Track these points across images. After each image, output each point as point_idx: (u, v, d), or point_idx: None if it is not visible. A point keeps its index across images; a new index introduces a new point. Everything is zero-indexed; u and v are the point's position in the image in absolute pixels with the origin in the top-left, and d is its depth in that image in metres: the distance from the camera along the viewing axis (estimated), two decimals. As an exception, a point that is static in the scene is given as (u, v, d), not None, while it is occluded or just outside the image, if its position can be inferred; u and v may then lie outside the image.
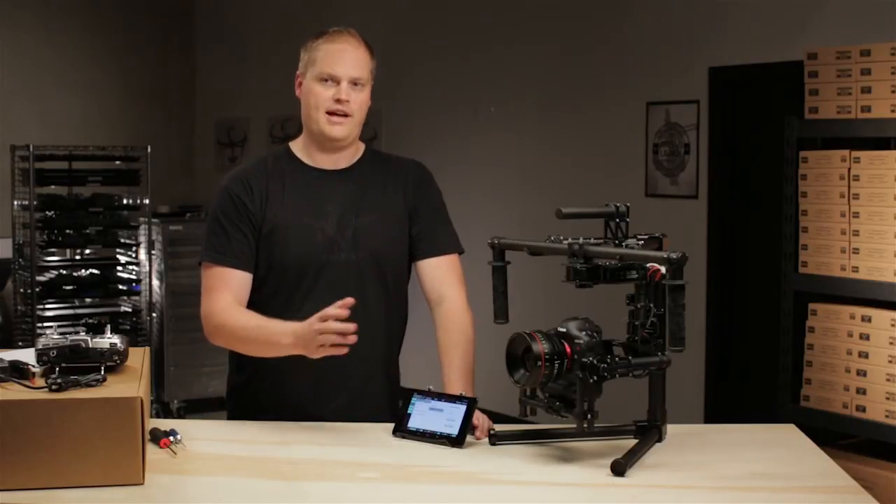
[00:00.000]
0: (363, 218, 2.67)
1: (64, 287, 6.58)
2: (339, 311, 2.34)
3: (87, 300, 6.73)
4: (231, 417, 2.76)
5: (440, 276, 2.73)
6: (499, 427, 2.48)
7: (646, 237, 2.36)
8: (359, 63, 2.64)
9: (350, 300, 2.37)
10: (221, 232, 2.63)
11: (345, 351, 2.36)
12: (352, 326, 2.34)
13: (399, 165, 2.79)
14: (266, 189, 2.65)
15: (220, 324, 2.59)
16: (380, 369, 2.72)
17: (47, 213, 6.51)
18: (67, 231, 6.57)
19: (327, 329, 2.34)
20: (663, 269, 2.18)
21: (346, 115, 2.63)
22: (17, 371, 2.22)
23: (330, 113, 2.63)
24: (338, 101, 2.62)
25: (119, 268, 6.89)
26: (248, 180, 2.66)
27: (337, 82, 2.62)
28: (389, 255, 2.70)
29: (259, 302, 2.64)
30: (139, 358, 2.39)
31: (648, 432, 2.38)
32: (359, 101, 2.64)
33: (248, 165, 2.74)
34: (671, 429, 2.46)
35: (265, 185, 2.65)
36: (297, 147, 2.74)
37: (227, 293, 2.60)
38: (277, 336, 2.46)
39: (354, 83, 2.63)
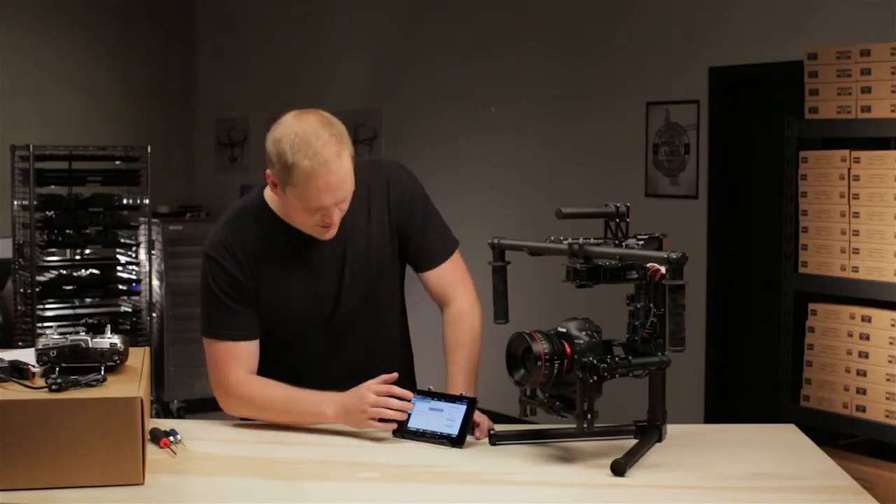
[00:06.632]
0: (354, 266, 2.61)
1: (64, 287, 6.58)
2: (406, 392, 2.46)
3: (87, 300, 6.73)
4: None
5: (443, 283, 2.73)
6: (499, 427, 2.48)
7: (646, 237, 2.36)
8: (344, 182, 2.43)
9: (395, 375, 2.49)
10: (221, 307, 2.55)
11: (393, 426, 2.47)
12: (409, 406, 2.46)
13: (378, 183, 2.65)
14: (254, 258, 2.55)
15: (241, 398, 2.56)
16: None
17: (47, 213, 6.51)
18: (67, 231, 6.56)
19: (384, 403, 2.44)
20: (663, 269, 2.18)
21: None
22: (17, 371, 2.23)
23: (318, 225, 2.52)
24: (325, 225, 2.50)
25: (119, 268, 6.89)
26: (233, 249, 2.55)
27: (326, 208, 2.47)
28: (379, 287, 2.68)
29: (268, 353, 2.61)
30: (139, 358, 2.39)
31: (648, 432, 2.38)
32: (345, 205, 2.50)
33: (227, 229, 2.59)
34: (671, 429, 2.46)
35: (252, 253, 2.55)
36: (275, 203, 2.57)
37: (238, 367, 2.56)
38: (317, 406, 2.51)
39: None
